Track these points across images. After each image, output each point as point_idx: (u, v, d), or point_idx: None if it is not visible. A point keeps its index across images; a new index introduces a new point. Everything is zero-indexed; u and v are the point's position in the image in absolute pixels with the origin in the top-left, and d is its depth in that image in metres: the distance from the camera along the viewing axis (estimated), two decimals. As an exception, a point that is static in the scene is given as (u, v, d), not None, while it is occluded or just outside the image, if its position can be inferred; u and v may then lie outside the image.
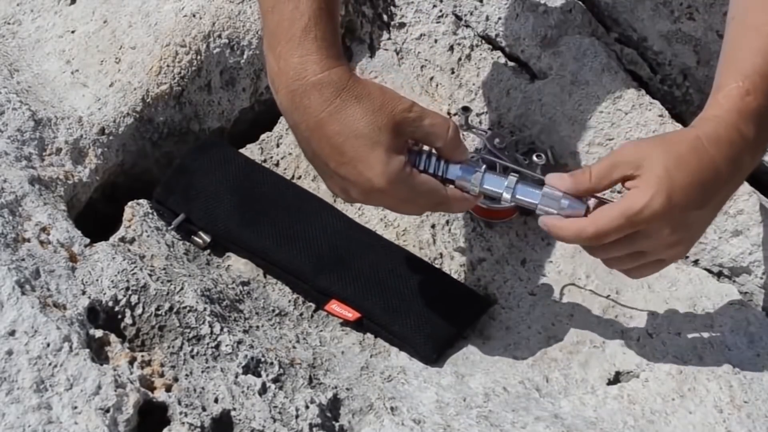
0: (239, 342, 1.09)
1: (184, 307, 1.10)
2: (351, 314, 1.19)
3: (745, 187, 1.28)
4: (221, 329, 1.09)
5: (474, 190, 1.07)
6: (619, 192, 1.24)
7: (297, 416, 1.04)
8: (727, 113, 1.02)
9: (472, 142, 1.33)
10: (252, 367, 1.07)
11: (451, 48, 1.40)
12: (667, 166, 0.99)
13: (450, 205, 1.08)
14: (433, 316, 1.19)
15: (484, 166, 1.07)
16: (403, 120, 1.02)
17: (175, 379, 1.04)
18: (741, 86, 1.02)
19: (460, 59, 1.39)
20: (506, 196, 1.07)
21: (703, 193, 1.02)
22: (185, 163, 1.31)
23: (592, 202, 1.05)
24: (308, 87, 1.00)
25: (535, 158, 1.26)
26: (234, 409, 1.03)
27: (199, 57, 1.37)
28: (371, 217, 1.30)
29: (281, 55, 1.01)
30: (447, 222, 1.29)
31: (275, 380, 1.07)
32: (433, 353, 1.16)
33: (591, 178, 1.04)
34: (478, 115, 1.37)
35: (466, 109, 1.28)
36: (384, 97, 1.02)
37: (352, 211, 1.31)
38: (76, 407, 0.97)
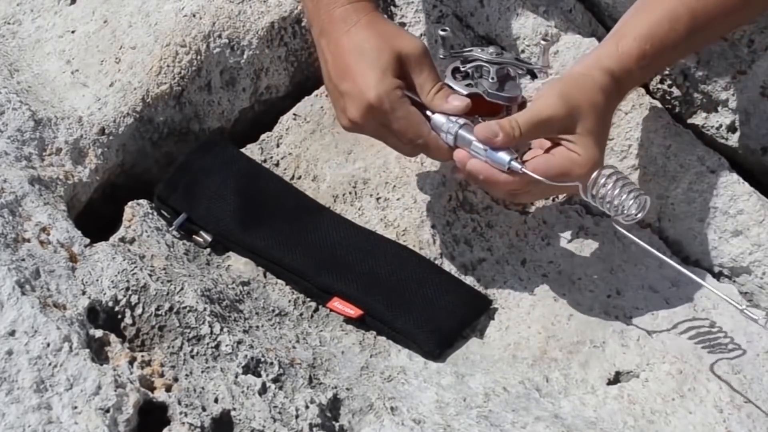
0: (239, 342, 1.09)
1: (184, 307, 1.10)
2: (353, 311, 1.19)
3: (745, 187, 1.28)
4: (221, 329, 1.09)
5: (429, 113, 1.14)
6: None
7: (297, 416, 1.04)
8: (627, 74, 1.13)
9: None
10: (252, 367, 1.07)
11: (452, 48, 1.39)
12: (595, 131, 1.10)
13: (428, 148, 1.15)
14: (435, 313, 1.19)
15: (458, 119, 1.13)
16: (407, 57, 1.14)
17: (175, 379, 1.04)
18: (644, 48, 1.13)
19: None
20: (449, 138, 1.13)
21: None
22: (189, 160, 1.30)
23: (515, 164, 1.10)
24: (335, 17, 1.15)
25: (542, 41, 1.21)
26: (234, 409, 1.03)
27: (199, 57, 1.37)
28: (371, 217, 1.30)
29: None
30: (447, 222, 1.29)
31: (275, 380, 1.07)
32: (436, 348, 1.17)
33: (520, 134, 1.09)
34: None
35: (443, 31, 1.23)
36: (398, 32, 1.17)
37: (352, 211, 1.31)
38: (76, 407, 0.97)
